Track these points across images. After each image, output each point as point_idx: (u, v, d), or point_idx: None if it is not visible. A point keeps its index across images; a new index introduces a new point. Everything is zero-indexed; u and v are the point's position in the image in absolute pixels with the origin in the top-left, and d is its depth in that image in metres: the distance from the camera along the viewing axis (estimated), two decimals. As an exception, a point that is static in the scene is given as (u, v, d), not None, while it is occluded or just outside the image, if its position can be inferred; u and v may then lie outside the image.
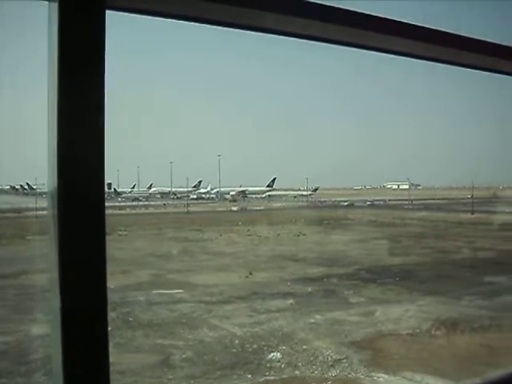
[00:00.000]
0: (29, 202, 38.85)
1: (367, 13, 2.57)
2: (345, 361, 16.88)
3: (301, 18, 2.45)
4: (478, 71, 3.25)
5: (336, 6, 2.49)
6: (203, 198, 49.95)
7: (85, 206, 1.97)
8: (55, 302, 1.95)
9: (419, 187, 59.35)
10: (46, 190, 2.14)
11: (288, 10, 2.41)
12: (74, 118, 1.95)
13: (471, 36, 2.93)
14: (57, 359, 1.96)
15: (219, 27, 2.48)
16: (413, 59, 3.04)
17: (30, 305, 20.51)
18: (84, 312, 1.96)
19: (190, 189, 48.05)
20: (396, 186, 58.84)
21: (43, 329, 18.08)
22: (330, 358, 17.07)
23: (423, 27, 2.77)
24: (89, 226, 1.97)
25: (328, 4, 2.46)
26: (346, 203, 50.95)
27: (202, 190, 50.37)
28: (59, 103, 1.92)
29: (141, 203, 47.48)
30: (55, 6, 1.92)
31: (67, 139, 1.94)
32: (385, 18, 2.61)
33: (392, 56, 2.90)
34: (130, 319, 19.46)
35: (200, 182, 49.13)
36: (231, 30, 2.50)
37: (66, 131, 1.94)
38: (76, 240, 1.95)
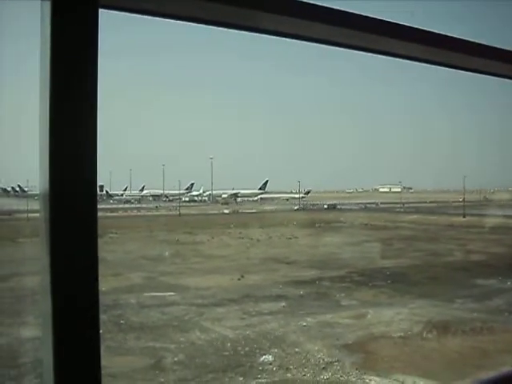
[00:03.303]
0: (20, 205, 38.73)
1: (371, 16, 2.58)
2: (336, 363, 16.88)
3: (301, 19, 2.45)
4: (480, 75, 3.25)
5: (338, 8, 2.49)
6: (195, 201, 49.98)
7: (77, 208, 1.95)
8: (46, 304, 1.94)
9: (411, 190, 59.61)
10: (38, 191, 2.13)
11: (286, 11, 2.41)
12: (66, 119, 1.92)
13: (473, 40, 2.93)
14: (48, 362, 1.94)
15: (214, 27, 2.48)
16: (408, 61, 3.03)
17: (20, 307, 20.45)
18: (76, 315, 1.94)
19: (182, 191, 48.05)
20: (388, 189, 59.06)
21: (33, 331, 18.02)
22: (321, 361, 17.07)
23: (425, 30, 2.77)
24: (81, 229, 1.96)
25: (330, 6, 2.47)
26: (338, 206, 51.06)
27: (195, 193, 50.41)
28: (51, 103, 1.89)
29: (133, 205, 47.42)
30: (48, 4, 1.90)
31: (59, 140, 1.91)
32: (382, 20, 2.62)
33: (389, 58, 2.91)
34: (122, 322, 19.39)
35: (192, 184, 49.20)
36: (223, 29, 2.49)
37: (59, 132, 1.91)
38: (68, 242, 1.93)
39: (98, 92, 1.98)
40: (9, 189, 44.53)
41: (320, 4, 2.45)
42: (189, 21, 2.39)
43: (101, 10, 1.97)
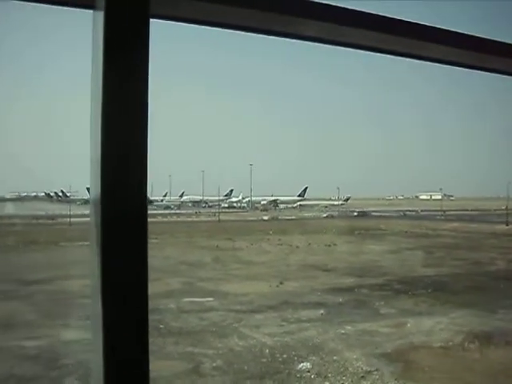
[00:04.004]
0: (62, 209, 39.54)
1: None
2: (375, 373, 16.70)
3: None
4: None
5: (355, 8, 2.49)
6: (234, 207, 50.12)
7: (128, 214, 1.99)
8: (96, 307, 1.98)
9: (452, 198, 58.71)
10: (89, 196, 2.18)
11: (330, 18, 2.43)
12: (118, 126, 1.97)
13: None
14: (97, 364, 1.99)
15: (261, 35, 2.52)
16: (445, 65, 3.00)
17: (62, 310, 20.82)
18: (126, 318, 1.98)
19: (221, 197, 48.27)
20: (428, 197, 58.30)
21: (74, 334, 18.34)
22: (360, 370, 16.91)
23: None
24: (132, 234, 1.99)
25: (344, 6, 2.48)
26: (377, 213, 50.62)
27: (234, 199, 50.57)
28: (103, 112, 1.93)
29: (172, 211, 47.78)
30: (101, 14, 1.96)
31: (111, 147, 1.95)
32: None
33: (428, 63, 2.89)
34: (161, 326, 19.55)
35: (231, 190, 49.40)
36: (270, 36, 2.53)
37: (110, 139, 1.95)
38: (119, 247, 1.97)
39: (149, 100, 2.02)
40: (52, 194, 45.44)
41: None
42: (237, 29, 2.44)
43: (151, 20, 2.01)
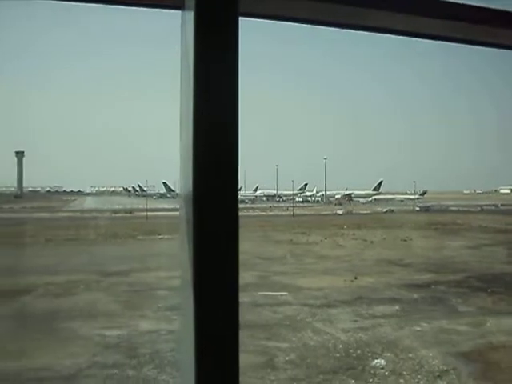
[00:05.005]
0: (139, 203, 40.58)
1: None
2: (452, 372, 16.36)
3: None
4: None
5: None
6: (308, 201, 49.97)
7: (219, 209, 2.06)
8: (187, 300, 2.05)
9: (535, 191, 56.47)
10: (179, 191, 2.26)
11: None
12: (210, 126, 2.03)
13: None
14: (188, 355, 2.06)
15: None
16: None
17: (140, 301, 21.46)
18: (216, 311, 2.05)
19: (295, 192, 48.25)
20: (509, 191, 56.29)
21: (155, 324, 18.89)
22: (436, 368, 16.61)
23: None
24: (223, 229, 2.06)
25: None
26: (454, 208, 49.36)
27: (308, 193, 50.41)
28: (195, 110, 2.00)
29: (247, 205, 48.13)
30: (190, 14, 2.02)
31: (203, 147, 2.02)
32: None
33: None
34: (236, 319, 19.79)
35: (306, 184, 49.29)
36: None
37: (202, 137, 2.02)
38: (210, 242, 2.04)
39: (238, 98, 2.08)
40: (129, 188, 46.69)
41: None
42: (324, 25, 2.47)
43: (241, 18, 2.08)
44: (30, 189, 44.68)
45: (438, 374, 16.35)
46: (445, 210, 48.65)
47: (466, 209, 49.21)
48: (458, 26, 2.66)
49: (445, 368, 16.62)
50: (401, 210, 47.55)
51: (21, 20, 29.50)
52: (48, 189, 46.88)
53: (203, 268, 2.04)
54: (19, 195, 42.11)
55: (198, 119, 2.01)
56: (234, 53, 2.05)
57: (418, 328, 19.77)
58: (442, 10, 2.49)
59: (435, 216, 45.23)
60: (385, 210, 47.17)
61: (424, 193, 50.82)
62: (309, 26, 2.46)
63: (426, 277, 26.60)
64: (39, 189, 46.37)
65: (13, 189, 42.32)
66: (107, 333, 18.43)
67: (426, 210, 47.90)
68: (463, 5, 2.55)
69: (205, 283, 2.04)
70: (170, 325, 18.76)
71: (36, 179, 43.03)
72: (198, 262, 2.03)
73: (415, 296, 23.64)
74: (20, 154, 37.99)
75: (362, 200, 50.64)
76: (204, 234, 2.04)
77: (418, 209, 47.85)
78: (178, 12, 2.19)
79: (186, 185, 2.06)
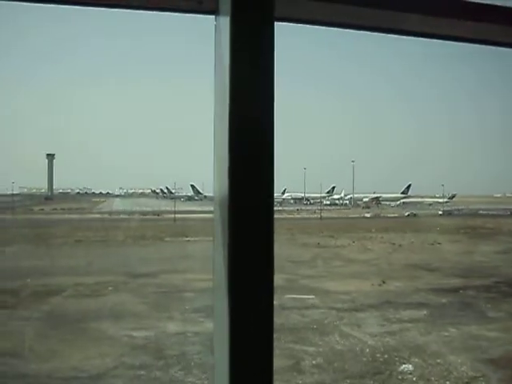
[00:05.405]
0: (167, 206, 40.85)
1: None
2: (482, 379, 16.18)
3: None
4: None
5: None
6: (336, 204, 49.74)
7: (255, 212, 2.06)
8: (221, 303, 2.07)
9: None
10: (213, 194, 2.27)
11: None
12: (245, 128, 2.04)
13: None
14: (222, 357, 2.07)
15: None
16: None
17: (168, 303, 21.61)
18: (251, 314, 2.06)
19: (323, 194, 48.09)
20: (542, 195, 55.30)
21: (182, 326, 19.01)
22: (465, 375, 16.45)
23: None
24: (258, 232, 2.07)
25: None
26: (484, 211, 48.71)
27: (336, 196, 50.18)
28: (231, 113, 2.01)
29: (275, 208, 48.02)
30: (226, 19, 2.04)
31: (239, 149, 2.03)
32: None
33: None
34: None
35: (333, 187, 49.02)
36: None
37: (237, 139, 2.03)
38: (245, 244, 2.04)
39: (274, 101, 2.10)
40: (157, 190, 47.02)
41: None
42: (359, 29, 2.49)
43: (276, 23, 2.10)
44: (61, 191, 45.35)
45: (466, 380, 16.18)
46: (474, 214, 48.03)
47: (495, 212, 48.53)
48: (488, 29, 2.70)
49: (474, 375, 16.44)
50: (427, 214, 47.06)
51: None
52: (78, 191, 47.54)
53: (238, 271, 2.05)
54: (50, 197, 42.80)
55: (234, 122, 2.03)
56: (270, 56, 2.07)
57: (446, 333, 19.59)
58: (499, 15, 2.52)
59: (464, 220, 44.69)
60: (407, 213, 46.67)
61: (453, 196, 50.20)
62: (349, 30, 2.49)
63: (455, 281, 26.33)
64: (69, 191, 47.04)
65: (43, 191, 42.98)
66: (135, 334, 18.63)
67: (449, 213, 47.28)
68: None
69: (240, 286, 2.06)
70: (196, 327, 18.89)
71: (66, 181, 43.68)
72: (233, 264, 2.05)
73: (443, 301, 23.43)
74: (50, 157, 38.57)
75: (391, 203, 50.23)
76: (239, 236, 2.06)
77: (440, 213, 47.23)
78: (210, 17, 2.22)
79: (221, 187, 2.07)
